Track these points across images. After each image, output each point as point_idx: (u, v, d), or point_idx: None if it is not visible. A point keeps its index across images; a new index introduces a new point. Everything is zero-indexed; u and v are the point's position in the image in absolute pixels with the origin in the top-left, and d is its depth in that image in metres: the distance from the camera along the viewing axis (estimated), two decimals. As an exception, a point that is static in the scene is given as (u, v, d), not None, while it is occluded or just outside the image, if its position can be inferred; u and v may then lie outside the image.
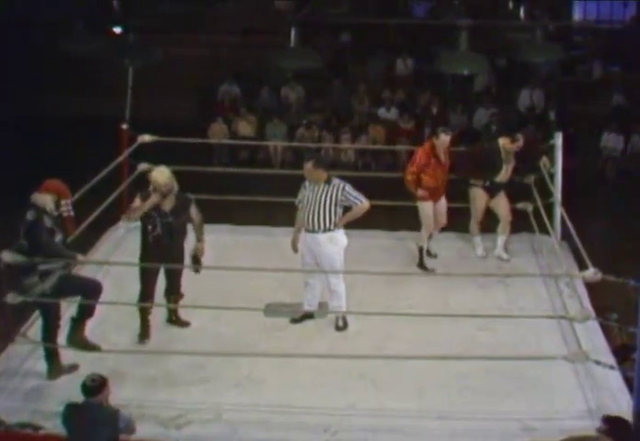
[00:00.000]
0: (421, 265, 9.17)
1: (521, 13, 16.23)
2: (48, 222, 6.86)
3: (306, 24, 13.62)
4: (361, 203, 7.81)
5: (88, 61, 17.20)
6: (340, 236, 7.87)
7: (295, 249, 8.01)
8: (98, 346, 7.17)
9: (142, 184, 7.84)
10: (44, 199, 6.90)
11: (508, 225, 9.45)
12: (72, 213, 7.11)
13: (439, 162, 9.01)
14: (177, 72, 18.26)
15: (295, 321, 8.03)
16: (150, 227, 7.55)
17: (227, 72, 18.85)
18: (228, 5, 20.99)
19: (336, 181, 7.82)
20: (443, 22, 16.87)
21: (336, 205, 7.75)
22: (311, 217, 7.78)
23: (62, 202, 7.01)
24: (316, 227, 7.78)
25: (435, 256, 9.40)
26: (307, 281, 8.02)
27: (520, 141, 9.14)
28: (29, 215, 6.84)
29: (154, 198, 7.46)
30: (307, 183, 7.88)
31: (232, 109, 18.14)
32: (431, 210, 9.13)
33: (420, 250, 9.19)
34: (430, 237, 9.33)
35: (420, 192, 9.01)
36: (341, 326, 7.95)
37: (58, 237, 6.93)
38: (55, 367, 7.06)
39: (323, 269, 7.83)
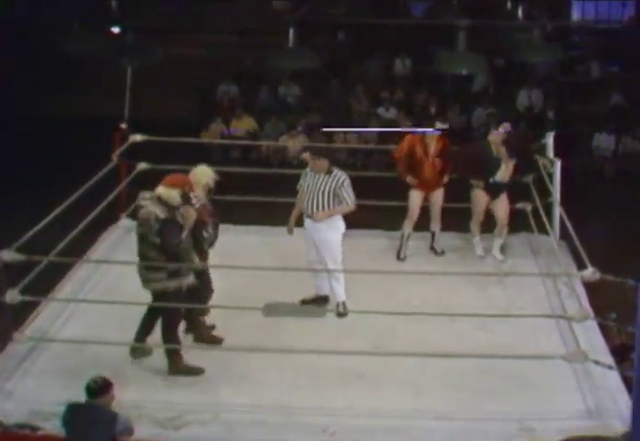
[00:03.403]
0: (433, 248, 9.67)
1: (520, 13, 16.29)
2: (179, 219, 6.86)
3: (304, 24, 13.65)
4: (347, 205, 7.96)
5: (88, 61, 17.19)
6: (338, 222, 8.00)
7: (291, 230, 8.21)
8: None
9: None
10: (171, 194, 6.87)
11: (504, 228, 9.48)
12: (202, 201, 7.25)
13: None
14: (176, 72, 18.23)
15: (306, 302, 8.19)
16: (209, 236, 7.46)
17: (226, 72, 18.84)
18: (227, 5, 20.98)
19: (337, 173, 7.96)
20: (441, 22, 16.85)
21: (334, 195, 7.91)
22: (310, 204, 7.95)
23: (192, 194, 7.06)
24: (315, 213, 7.92)
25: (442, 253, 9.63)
26: (314, 266, 8.11)
27: (506, 127, 9.24)
28: (159, 211, 6.80)
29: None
30: (308, 170, 8.05)
31: (230, 109, 18.13)
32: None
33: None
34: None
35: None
36: (342, 312, 8.05)
37: (184, 233, 6.89)
38: (176, 364, 7.09)
39: (322, 255, 7.97)
